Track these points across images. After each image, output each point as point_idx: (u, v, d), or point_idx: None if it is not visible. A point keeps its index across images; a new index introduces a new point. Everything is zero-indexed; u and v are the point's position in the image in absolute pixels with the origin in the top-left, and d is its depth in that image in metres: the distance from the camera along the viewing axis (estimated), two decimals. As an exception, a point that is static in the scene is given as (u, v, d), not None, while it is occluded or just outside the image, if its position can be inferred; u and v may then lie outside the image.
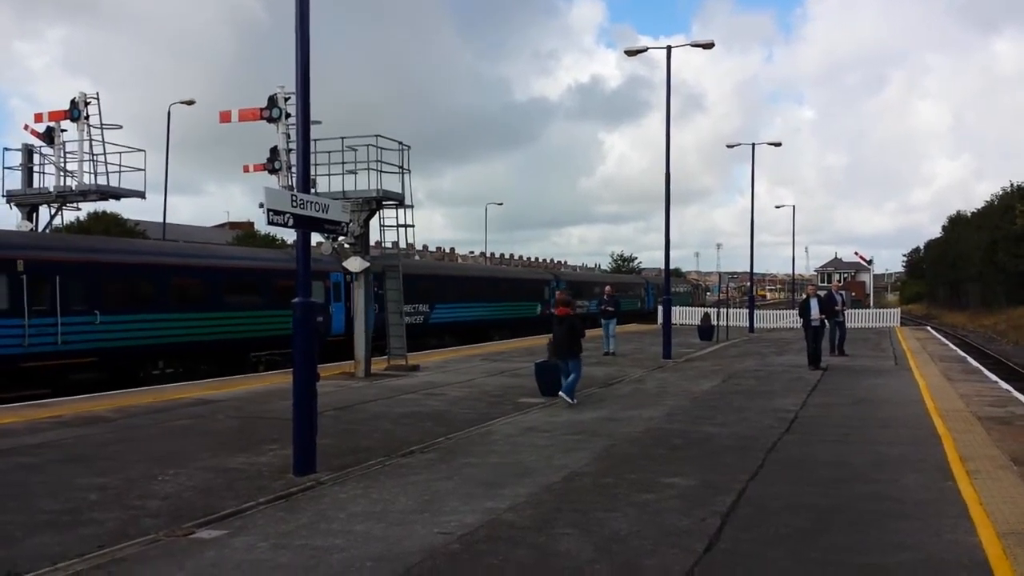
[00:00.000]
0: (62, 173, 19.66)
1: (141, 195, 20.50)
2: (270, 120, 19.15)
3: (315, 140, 14.29)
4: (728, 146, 41.94)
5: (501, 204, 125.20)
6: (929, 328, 46.21)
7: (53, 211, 20.46)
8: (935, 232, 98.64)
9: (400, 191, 19.41)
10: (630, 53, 25.53)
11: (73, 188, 19.46)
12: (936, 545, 6.41)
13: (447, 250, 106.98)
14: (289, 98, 18.99)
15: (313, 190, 10.54)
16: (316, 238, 14.38)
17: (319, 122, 14.29)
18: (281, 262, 23.65)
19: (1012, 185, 63.32)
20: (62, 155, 19.72)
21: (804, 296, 21.99)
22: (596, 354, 22.72)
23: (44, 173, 20.17)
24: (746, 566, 5.92)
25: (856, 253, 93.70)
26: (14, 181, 20.20)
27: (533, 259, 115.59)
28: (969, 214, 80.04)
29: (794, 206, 77.75)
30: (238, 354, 21.82)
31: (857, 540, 6.53)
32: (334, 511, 7.33)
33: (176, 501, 7.73)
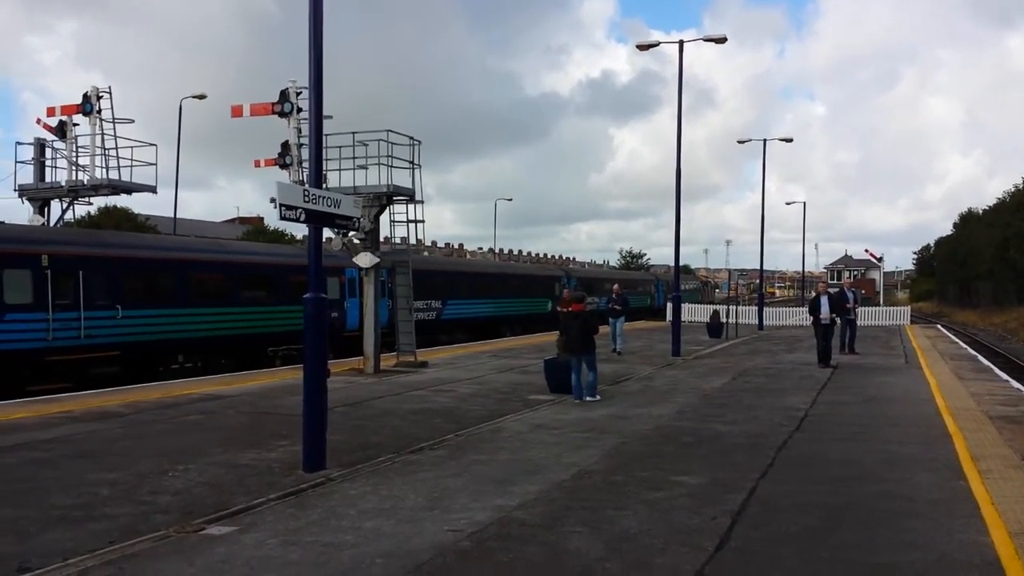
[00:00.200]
0: (74, 167, 19.71)
1: (153, 190, 20.56)
2: (282, 115, 19.12)
3: (326, 135, 14.29)
4: (739, 142, 41.81)
5: (511, 200, 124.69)
6: (939, 326, 46.04)
7: (65, 205, 20.53)
8: (947, 229, 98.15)
9: (411, 186, 19.41)
10: (642, 48, 25.48)
11: (85, 182, 19.52)
12: (948, 545, 6.38)
13: (456, 246, 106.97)
14: (301, 93, 18.99)
15: (324, 185, 10.57)
16: (326, 233, 14.43)
17: (330, 117, 14.25)
18: (297, 258, 23.72)
19: (1025, 182, 62.90)
20: (74, 149, 19.77)
21: (815, 293, 21.90)
22: (604, 351, 22.58)
23: (56, 167, 20.24)
24: (757, 565, 5.90)
25: (866, 250, 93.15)
26: (26, 175, 20.27)
27: (542, 255, 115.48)
28: (981, 211, 79.69)
29: (805, 203, 77.17)
30: (255, 349, 22.10)
31: (868, 539, 6.51)
32: (344, 508, 7.34)
33: (186, 497, 7.75)
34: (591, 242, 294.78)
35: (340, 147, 18.37)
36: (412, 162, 19.51)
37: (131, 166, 19.91)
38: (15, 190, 20.29)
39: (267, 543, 6.33)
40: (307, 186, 9.45)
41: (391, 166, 18.80)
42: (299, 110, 19.17)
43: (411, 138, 19.56)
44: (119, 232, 29.62)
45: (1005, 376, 18.57)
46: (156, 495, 7.80)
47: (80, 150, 19.73)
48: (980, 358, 23.65)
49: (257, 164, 19.96)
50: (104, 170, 19.43)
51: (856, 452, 9.87)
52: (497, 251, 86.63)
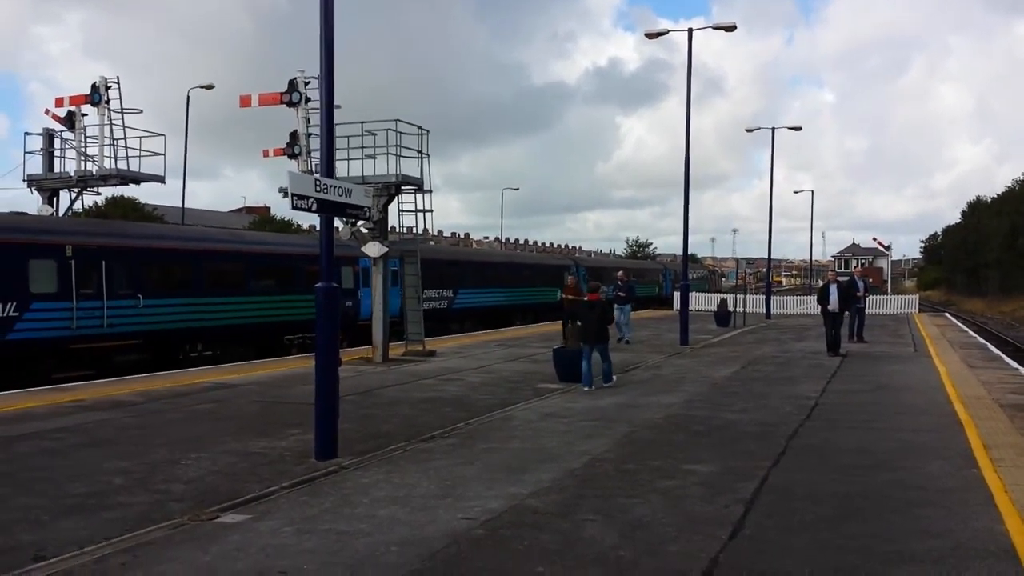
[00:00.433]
0: (83, 157, 19.73)
1: (161, 180, 20.58)
2: (290, 104, 19.11)
3: (336, 125, 14.27)
4: (747, 130, 41.58)
5: (517, 189, 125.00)
6: (947, 315, 45.90)
7: (74, 195, 20.57)
8: (955, 218, 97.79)
9: (419, 176, 19.39)
10: (651, 36, 25.33)
11: (94, 172, 19.54)
12: (963, 533, 6.36)
13: (462, 235, 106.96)
14: (309, 82, 18.99)
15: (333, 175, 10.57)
16: (334, 223, 14.42)
17: (339, 106, 14.25)
18: (313, 247, 23.69)
19: (1034, 170, 62.59)
20: (83, 139, 19.78)
21: (823, 282, 21.84)
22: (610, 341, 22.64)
23: (65, 158, 20.27)
24: (771, 553, 5.89)
25: (874, 239, 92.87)
26: (35, 165, 20.31)
27: (548, 244, 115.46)
28: (989, 199, 79.31)
29: (812, 191, 77.14)
30: (272, 337, 22.42)
31: (882, 527, 6.50)
32: (357, 496, 7.36)
33: (200, 485, 7.77)
34: (598, 231, 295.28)
35: (348, 137, 18.34)
36: (420, 151, 19.48)
37: (139, 156, 19.95)
38: (24, 180, 20.34)
39: (281, 531, 6.34)
40: (318, 176, 9.43)
41: (399, 155, 18.79)
42: (307, 100, 19.17)
43: (419, 127, 19.55)
44: (140, 223, 29.94)
45: (1015, 364, 18.52)
46: (169, 483, 7.82)
47: (88, 140, 19.74)
48: (989, 346, 23.56)
49: (266, 154, 19.95)
50: (112, 160, 19.46)
51: (868, 440, 9.85)
52: (504, 241, 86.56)
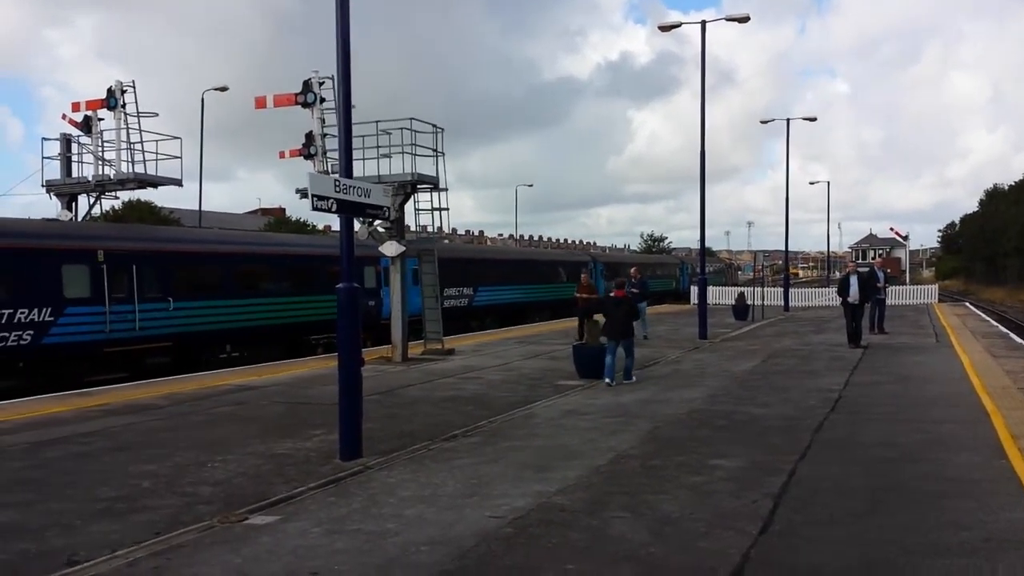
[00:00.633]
0: (100, 162, 19.82)
1: (178, 183, 20.66)
2: (305, 105, 19.14)
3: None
4: (762, 122, 41.35)
5: (531, 186, 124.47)
6: (967, 304, 45.52)
7: (92, 200, 20.67)
8: (972, 207, 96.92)
9: (434, 174, 19.40)
10: (664, 28, 25.21)
11: (112, 177, 19.62)
12: (995, 524, 6.32)
13: (476, 233, 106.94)
14: (324, 83, 19.01)
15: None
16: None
17: (353, 106, 14.27)
18: (337, 248, 23.85)
19: (1052, 157, 61.97)
20: (100, 144, 19.88)
21: (844, 273, 21.70)
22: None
23: (82, 162, 20.37)
24: (802, 548, 5.87)
25: (892, 229, 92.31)
26: (53, 171, 20.42)
27: (562, 240, 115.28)
28: (1007, 187, 78.60)
29: (828, 183, 76.36)
30: (298, 337, 22.64)
31: (914, 520, 6.45)
32: (384, 496, 7.37)
33: (227, 487, 7.81)
34: (611, 226, 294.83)
35: (363, 136, 18.35)
36: (435, 150, 19.49)
37: (156, 159, 20.03)
38: (43, 185, 20.44)
39: (311, 532, 6.36)
40: (338, 176, 9.44)
41: (415, 154, 18.79)
42: (322, 100, 19.19)
43: (434, 126, 19.55)
44: (168, 227, 30.22)
45: (1039, 353, 18.34)
46: (197, 486, 7.86)
47: (105, 144, 19.83)
48: (1012, 336, 23.38)
49: (282, 155, 19.99)
50: (130, 164, 19.53)
51: (894, 433, 9.79)
52: (518, 238, 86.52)
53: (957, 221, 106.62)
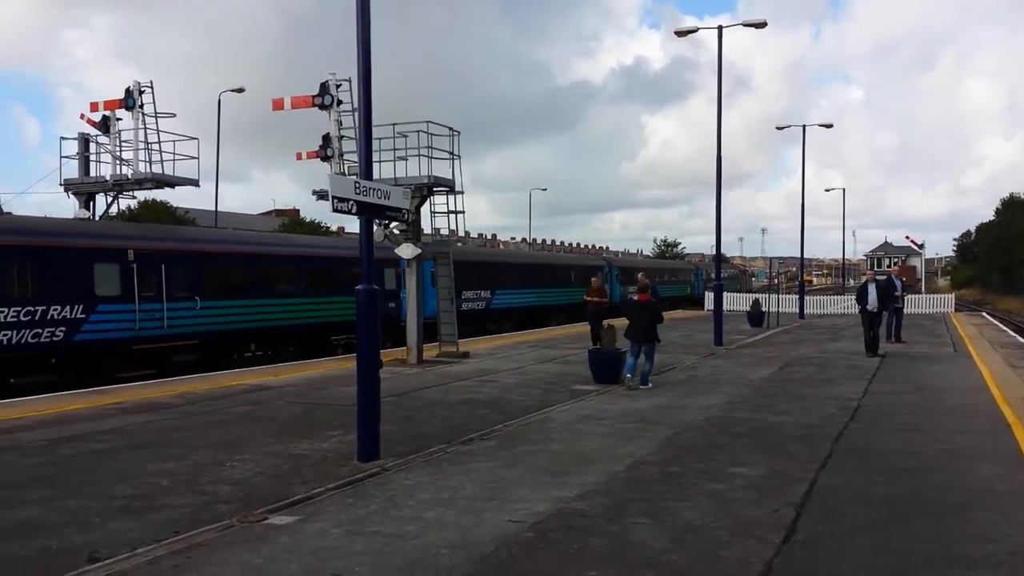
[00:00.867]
0: (118, 162, 19.91)
1: (195, 183, 20.72)
2: (322, 107, 19.17)
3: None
4: (778, 128, 41.22)
5: (545, 190, 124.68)
6: (984, 314, 45.18)
7: (110, 199, 20.77)
8: (988, 215, 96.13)
9: (450, 177, 19.39)
10: (680, 34, 25.17)
11: (129, 176, 19.71)
12: (1019, 537, 6.25)
13: (489, 236, 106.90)
14: (341, 85, 19.05)
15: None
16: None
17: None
18: (358, 250, 24.09)
19: (1070, 166, 61.46)
20: (117, 144, 19.97)
21: (863, 281, 21.57)
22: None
23: (100, 162, 20.47)
24: (826, 558, 5.81)
25: (907, 237, 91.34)
26: (71, 170, 20.54)
27: (575, 245, 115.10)
28: (1024, 196, 77.96)
29: (844, 190, 76.15)
30: (320, 337, 22.87)
31: (937, 532, 6.38)
32: (402, 497, 7.34)
33: (246, 487, 7.80)
34: (624, 231, 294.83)
35: (380, 139, 18.33)
36: (452, 152, 19.48)
37: (173, 160, 20.10)
38: (61, 184, 20.55)
39: (330, 533, 6.34)
40: (358, 178, 9.43)
41: (431, 157, 18.80)
42: (339, 102, 19.23)
43: (451, 129, 19.55)
44: (195, 227, 30.54)
45: (1059, 365, 18.16)
46: (215, 485, 7.85)
47: (123, 144, 19.93)
48: (1031, 346, 23.16)
49: (299, 157, 20.02)
50: (147, 164, 19.61)
51: (914, 443, 9.70)
52: (531, 241, 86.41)
53: (973, 230, 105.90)
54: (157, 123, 19.65)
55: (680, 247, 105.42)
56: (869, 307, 19.77)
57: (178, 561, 5.75)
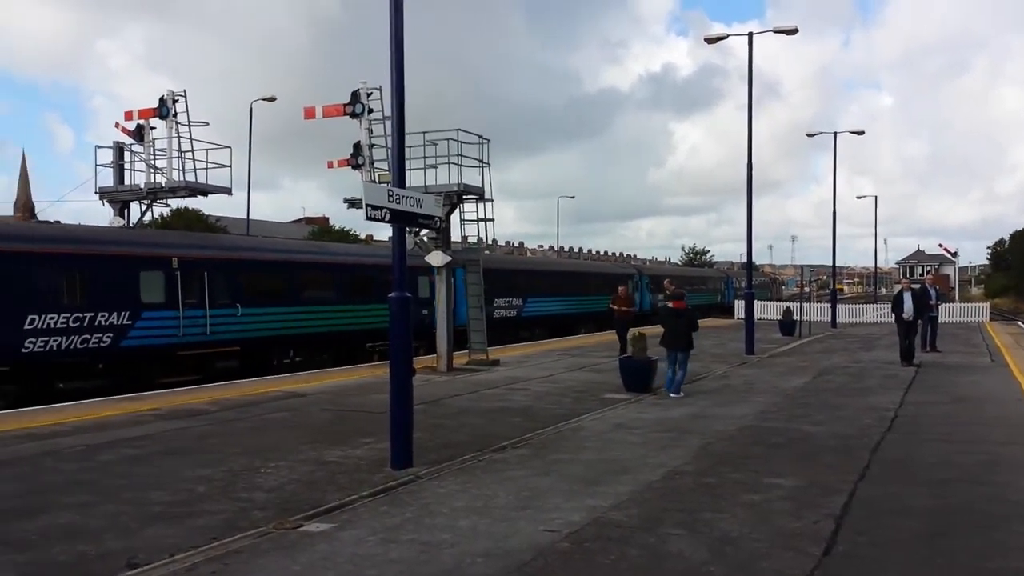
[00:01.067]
0: (152, 170, 20.14)
1: (228, 191, 20.92)
2: (353, 116, 19.28)
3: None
4: (808, 135, 40.90)
5: (573, 197, 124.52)
6: (1020, 323, 44.42)
7: (144, 207, 21.00)
8: (1022, 223, 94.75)
9: (480, 185, 19.42)
10: (710, 41, 25.04)
11: (163, 185, 19.91)
12: (1068, 552, 6.10)
13: (516, 244, 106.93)
14: (372, 94, 19.15)
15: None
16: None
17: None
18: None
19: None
20: (151, 152, 20.20)
21: (897, 289, 21.29)
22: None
23: (135, 170, 20.70)
24: (868, 571, 5.72)
25: (940, 245, 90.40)
26: (105, 178, 20.79)
27: (602, 252, 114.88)
28: (1060, 204, 76.67)
29: (876, 197, 75.33)
30: (356, 344, 23.10)
31: (982, 544, 6.26)
32: (436, 505, 7.33)
33: (281, 494, 7.81)
34: (651, 239, 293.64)
35: (410, 147, 18.41)
36: (481, 160, 19.51)
37: (207, 168, 20.30)
38: (96, 192, 20.81)
39: (366, 540, 6.34)
40: (391, 186, 9.46)
41: (461, 165, 18.83)
42: (370, 111, 19.33)
43: (480, 137, 19.58)
44: (235, 236, 30.93)
45: (1100, 375, 17.80)
46: (251, 492, 7.88)
47: (157, 153, 20.15)
48: (1070, 356, 22.72)
49: (330, 165, 20.15)
50: (181, 172, 19.82)
51: (954, 454, 9.54)
52: (558, 249, 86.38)
53: (1007, 238, 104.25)
54: (191, 132, 19.88)
55: (709, 255, 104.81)
56: (905, 316, 19.50)
57: (216, 568, 5.78)
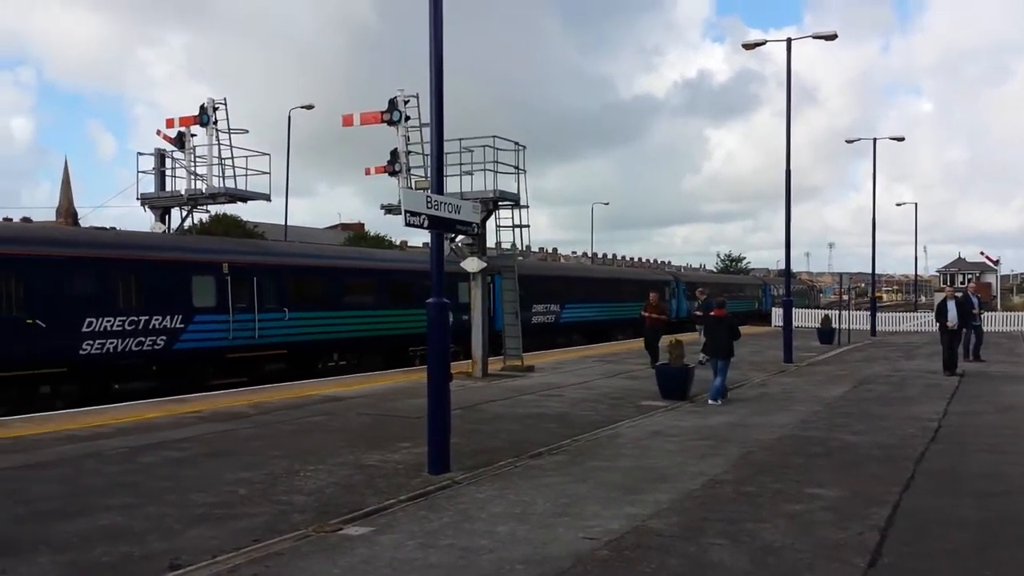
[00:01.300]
0: (193, 176, 20.44)
1: (267, 198, 21.16)
2: (390, 123, 19.41)
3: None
4: (848, 141, 40.50)
5: (607, 204, 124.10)
6: (1065, 332, 43.49)
7: (184, 213, 21.32)
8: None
9: (516, 191, 19.43)
10: (748, 47, 24.91)
11: (204, 191, 20.20)
12: (1122, 567, 5.94)
13: (550, 250, 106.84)
14: (409, 101, 19.26)
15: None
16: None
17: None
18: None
19: None
20: (192, 159, 20.50)
21: (941, 298, 20.94)
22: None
23: (175, 177, 21.02)
24: (915, 584, 5.61)
25: (982, 253, 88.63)
26: (147, 184, 21.14)
27: (636, 259, 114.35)
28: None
29: (916, 204, 74.55)
30: (398, 348, 23.42)
31: (1032, 559, 6.11)
32: (475, 511, 7.33)
33: (320, 497, 7.87)
34: (686, 245, 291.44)
35: (447, 153, 18.41)
36: (517, 167, 19.52)
37: (246, 175, 20.55)
38: (137, 198, 21.16)
39: (405, 545, 6.35)
40: (429, 193, 9.49)
41: (496, 171, 18.87)
42: (407, 118, 19.44)
43: (516, 143, 19.59)
44: (282, 242, 31.44)
45: None
46: (291, 495, 7.94)
47: (198, 160, 20.44)
48: (1118, 367, 22.17)
49: (368, 172, 20.28)
50: (221, 179, 20.09)
51: (1001, 465, 9.35)
52: (592, 255, 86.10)
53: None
54: (231, 139, 20.14)
55: (745, 262, 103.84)
56: (949, 324, 19.18)
57: (258, 570, 5.82)
